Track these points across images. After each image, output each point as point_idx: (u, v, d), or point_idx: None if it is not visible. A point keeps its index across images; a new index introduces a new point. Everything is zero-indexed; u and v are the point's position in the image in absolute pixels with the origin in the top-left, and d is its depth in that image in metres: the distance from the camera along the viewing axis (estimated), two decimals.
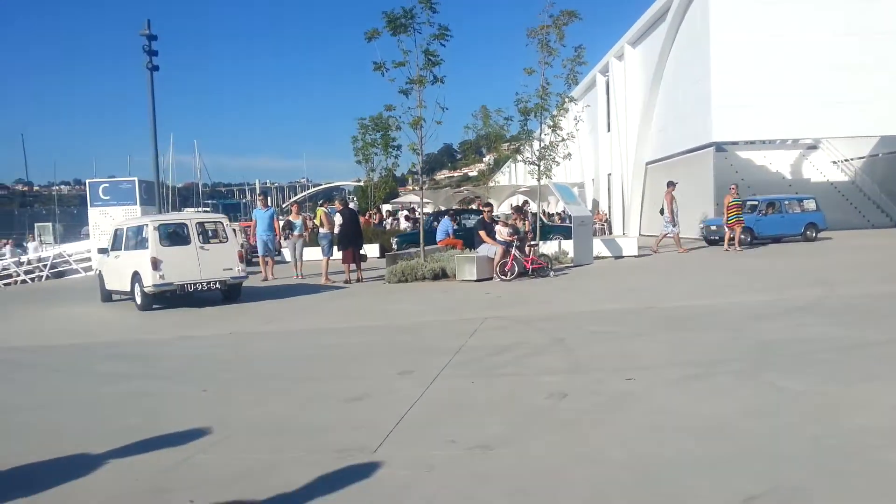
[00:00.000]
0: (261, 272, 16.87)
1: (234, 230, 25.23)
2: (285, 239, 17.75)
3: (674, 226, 19.20)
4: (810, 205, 22.54)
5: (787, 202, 22.38)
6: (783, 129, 27.66)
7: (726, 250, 18.63)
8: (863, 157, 32.64)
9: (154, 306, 12.11)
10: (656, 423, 4.43)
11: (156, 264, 11.62)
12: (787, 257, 16.38)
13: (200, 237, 12.53)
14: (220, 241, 12.75)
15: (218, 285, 12.24)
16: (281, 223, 19.28)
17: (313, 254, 18.97)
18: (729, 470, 3.63)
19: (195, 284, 11.96)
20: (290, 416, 5.08)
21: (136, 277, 12.09)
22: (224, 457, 4.24)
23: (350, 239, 15.30)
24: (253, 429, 4.81)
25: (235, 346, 8.34)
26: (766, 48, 24.76)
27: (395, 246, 21.48)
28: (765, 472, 3.59)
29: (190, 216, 14.12)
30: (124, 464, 4.13)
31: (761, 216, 21.20)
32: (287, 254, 18.46)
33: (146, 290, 11.79)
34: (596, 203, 37.89)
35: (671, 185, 19.54)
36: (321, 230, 16.41)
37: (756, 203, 21.80)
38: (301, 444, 4.43)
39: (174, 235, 12.46)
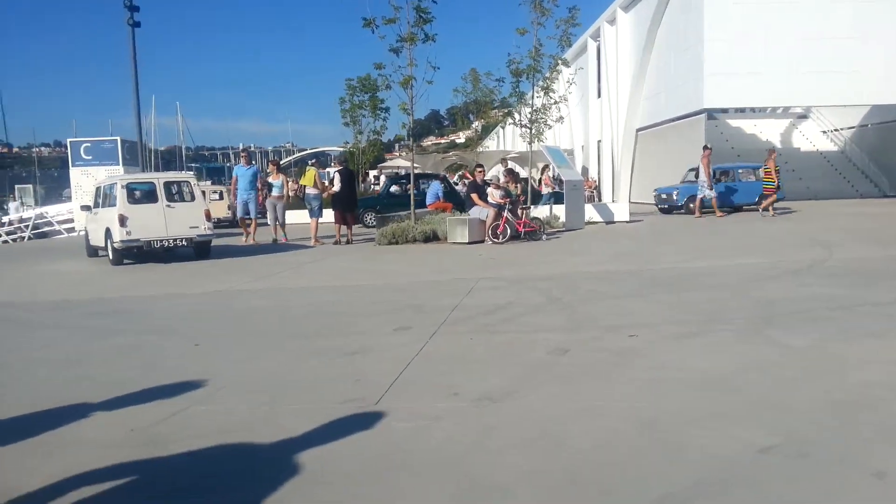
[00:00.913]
0: (243, 234, 16.04)
1: (222, 192, 25.03)
2: (265, 199, 16.49)
3: (710, 189, 18.80)
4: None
5: (741, 170, 21.81)
6: (774, 97, 27.58)
7: (763, 215, 18.24)
8: (853, 128, 32.66)
9: (125, 262, 12.53)
10: (660, 378, 4.36)
11: (122, 221, 12.10)
12: (784, 223, 16.35)
13: (176, 196, 12.92)
14: (188, 201, 12.99)
15: (184, 242, 12.62)
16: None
17: (297, 216, 18.69)
18: (738, 422, 3.56)
19: (161, 241, 12.38)
20: (287, 370, 4.96)
21: (108, 233, 12.54)
22: (221, 408, 4.12)
23: (345, 200, 15.20)
24: (249, 382, 4.69)
25: (226, 303, 8.19)
26: (759, 15, 24.54)
27: None
28: (775, 424, 3.52)
29: (158, 175, 14.46)
30: (119, 415, 4.01)
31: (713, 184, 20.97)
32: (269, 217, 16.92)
33: (115, 245, 12.25)
34: (585, 170, 37.75)
35: (707, 148, 19.19)
36: (310, 191, 15.81)
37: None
38: (300, 396, 4.32)
39: (142, 194, 12.90)
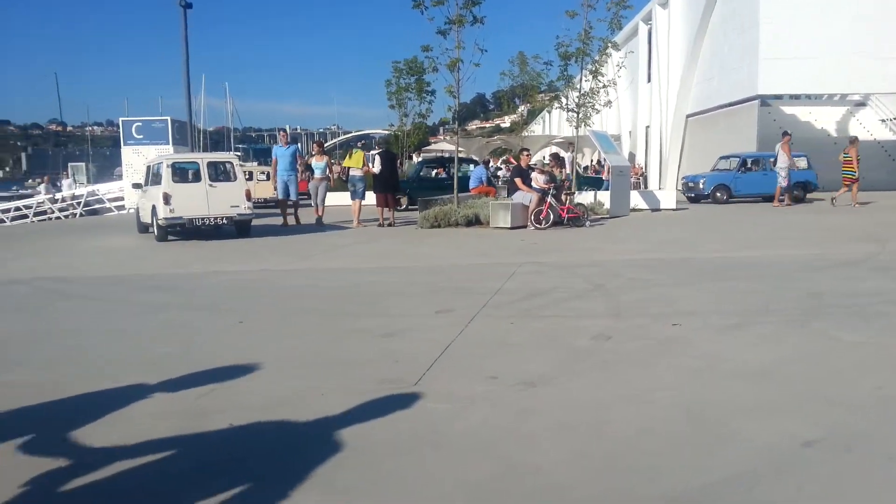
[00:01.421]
0: (288, 216, 15.70)
1: (269, 173, 25.32)
2: (309, 181, 15.94)
3: (786, 178, 18.20)
4: (801, 163, 21.39)
5: (771, 159, 20.82)
6: (832, 84, 26.75)
7: (834, 205, 17.66)
8: None
9: (170, 238, 13.12)
10: (704, 368, 4.29)
11: (167, 199, 12.64)
12: (833, 215, 15.90)
13: (220, 176, 13.43)
14: (230, 181, 13.41)
15: (225, 221, 13.07)
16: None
17: (339, 198, 18.73)
18: (783, 414, 3.49)
19: (203, 219, 12.86)
20: (328, 349, 5.02)
21: (153, 211, 13.11)
22: (263, 385, 4.20)
23: (387, 182, 15.24)
24: (290, 359, 4.76)
25: (269, 282, 8.32)
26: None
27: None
28: (822, 417, 3.43)
29: (202, 156, 15.07)
30: (164, 388, 4.10)
31: (740, 174, 20.37)
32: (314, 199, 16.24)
33: (159, 222, 12.81)
34: (632, 156, 37.18)
35: (787, 134, 18.64)
36: (355, 173, 15.71)
37: (737, 159, 21.03)
38: (340, 374, 4.37)
39: (186, 173, 13.54)
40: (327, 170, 16.18)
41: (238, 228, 13.38)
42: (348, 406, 3.69)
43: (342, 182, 18.74)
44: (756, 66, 24.32)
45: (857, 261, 8.53)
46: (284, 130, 15.85)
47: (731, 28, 26.86)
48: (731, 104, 27.33)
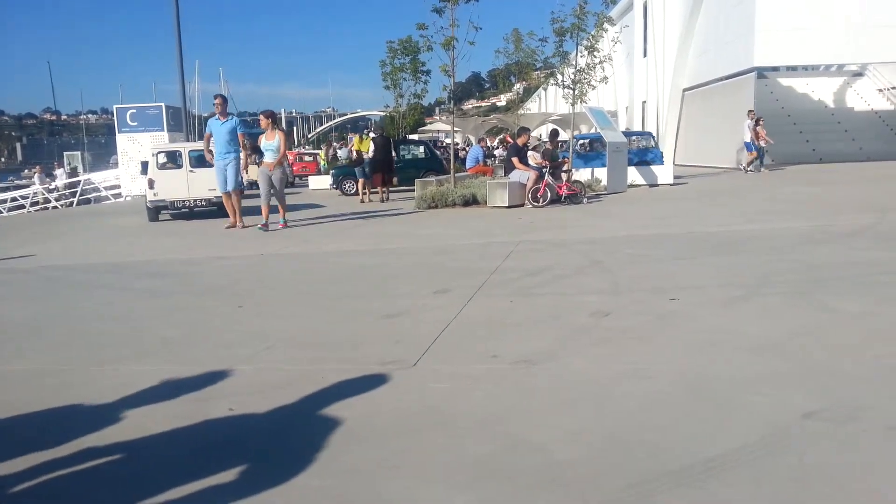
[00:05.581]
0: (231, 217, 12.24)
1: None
2: (257, 165, 12.22)
3: None
4: (645, 142, 21.38)
5: (633, 138, 21.09)
6: (829, 54, 26.49)
7: None
8: None
9: (161, 218, 14.56)
10: (704, 342, 4.28)
11: (151, 184, 14.29)
12: (833, 186, 15.86)
13: (201, 163, 14.12)
14: (209, 166, 13.85)
15: (204, 203, 14.30)
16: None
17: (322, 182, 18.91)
18: (784, 387, 3.48)
19: (184, 202, 14.29)
20: (328, 331, 5.01)
21: (146, 195, 14.74)
22: (264, 367, 4.20)
23: (381, 164, 16.78)
24: (291, 342, 4.76)
25: (267, 266, 8.31)
26: None
27: (331, 179, 21.27)
28: (823, 389, 3.43)
29: (185, 145, 16.11)
30: (163, 373, 4.09)
31: (580, 154, 20.10)
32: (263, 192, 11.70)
33: (147, 204, 14.49)
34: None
35: None
36: (364, 156, 17.01)
37: (586, 140, 20.89)
38: (340, 356, 4.37)
39: (169, 160, 14.82)
40: (281, 150, 11.67)
41: (220, 209, 13.95)
42: (348, 387, 3.69)
43: (355, 165, 18.28)
44: (752, 38, 24.08)
45: (858, 231, 8.51)
46: (222, 97, 12.12)
47: (727, 0, 26.62)
48: (727, 77, 27.12)
